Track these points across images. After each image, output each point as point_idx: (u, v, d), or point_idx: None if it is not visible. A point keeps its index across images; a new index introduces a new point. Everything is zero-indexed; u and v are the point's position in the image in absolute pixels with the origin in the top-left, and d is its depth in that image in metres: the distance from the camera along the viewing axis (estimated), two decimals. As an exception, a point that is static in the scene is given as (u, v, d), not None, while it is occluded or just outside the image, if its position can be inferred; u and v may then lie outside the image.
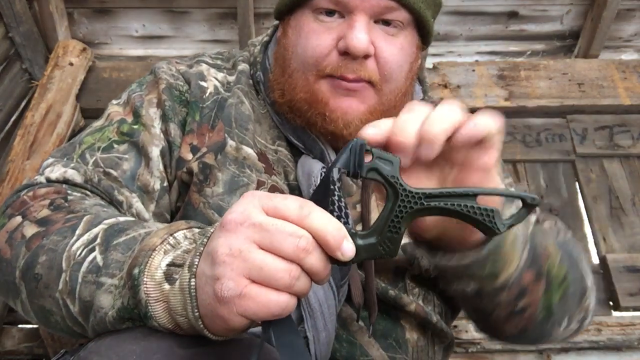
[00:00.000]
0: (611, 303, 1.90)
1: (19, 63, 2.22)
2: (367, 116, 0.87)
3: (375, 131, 0.58)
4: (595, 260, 2.01)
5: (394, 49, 0.87)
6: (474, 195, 0.55)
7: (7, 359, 1.73)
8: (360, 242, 0.55)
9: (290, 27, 0.92)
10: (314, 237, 0.52)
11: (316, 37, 0.86)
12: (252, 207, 0.53)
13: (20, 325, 1.79)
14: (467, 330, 1.76)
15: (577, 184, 2.15)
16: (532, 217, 0.79)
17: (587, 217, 2.08)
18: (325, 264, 0.53)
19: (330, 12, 0.86)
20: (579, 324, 0.88)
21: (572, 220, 2.08)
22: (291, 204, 0.53)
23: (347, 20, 0.85)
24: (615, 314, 1.88)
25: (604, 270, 1.94)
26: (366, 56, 0.85)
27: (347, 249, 0.52)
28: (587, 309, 0.87)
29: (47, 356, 1.69)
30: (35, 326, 1.75)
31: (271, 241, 0.51)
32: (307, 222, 0.52)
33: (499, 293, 0.74)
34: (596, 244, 2.03)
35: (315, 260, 0.52)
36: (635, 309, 1.87)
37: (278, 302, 0.51)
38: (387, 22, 0.87)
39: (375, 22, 0.86)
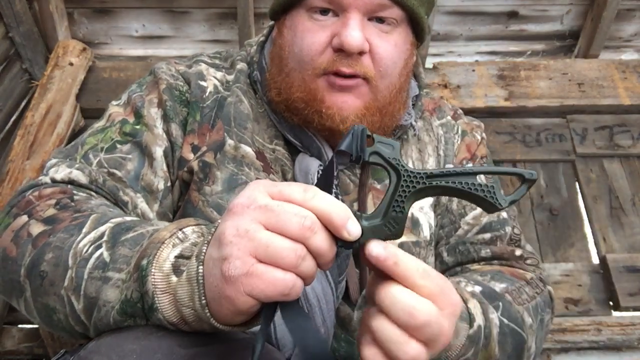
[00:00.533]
0: (611, 303, 1.90)
1: (19, 63, 2.22)
2: (363, 111, 0.88)
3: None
4: (595, 260, 2.01)
5: (388, 45, 0.88)
6: (474, 174, 0.56)
7: (7, 359, 1.73)
8: (365, 223, 0.56)
9: (285, 27, 0.92)
10: (318, 218, 0.53)
11: (311, 35, 0.87)
12: (257, 192, 0.54)
13: (20, 325, 1.79)
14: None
15: (577, 184, 2.15)
16: (494, 322, 0.80)
17: (587, 217, 2.08)
18: (330, 245, 0.54)
19: (324, 11, 0.87)
20: None
21: (572, 220, 2.08)
22: (295, 187, 0.54)
23: (341, 18, 0.86)
24: (615, 314, 1.88)
25: (604, 270, 1.94)
26: (361, 53, 0.85)
27: (353, 227, 0.53)
28: None
29: (47, 356, 1.69)
30: (35, 326, 1.75)
31: (277, 221, 0.52)
32: (311, 203, 0.53)
33: None
34: (596, 244, 2.03)
35: (321, 241, 0.53)
36: (635, 309, 1.87)
37: (285, 280, 0.52)
38: (381, 20, 0.88)
39: (369, 19, 0.87)
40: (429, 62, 2.36)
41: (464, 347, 0.73)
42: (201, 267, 0.56)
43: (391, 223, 0.56)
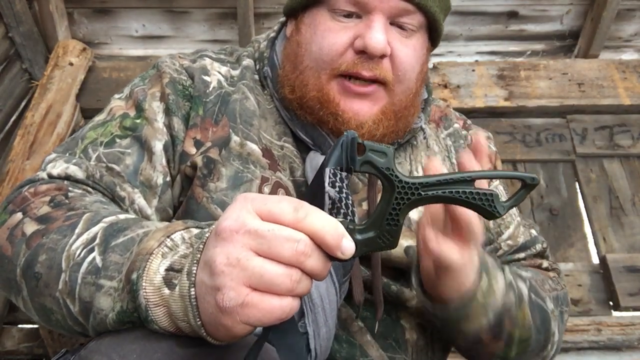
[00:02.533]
0: (611, 303, 1.90)
1: (19, 63, 2.22)
2: (379, 117, 0.87)
3: None
4: (595, 260, 2.01)
5: (408, 50, 0.88)
6: (472, 180, 0.54)
7: (7, 359, 1.73)
8: (359, 236, 0.54)
9: (303, 24, 0.92)
10: (311, 239, 0.51)
11: (333, 35, 0.87)
12: (245, 213, 0.51)
13: (20, 325, 1.79)
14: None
15: (577, 184, 2.15)
16: (524, 290, 0.87)
17: (587, 217, 2.08)
18: (325, 264, 0.52)
19: (347, 15, 0.87)
20: None
21: (572, 220, 2.08)
22: (286, 206, 0.51)
23: (365, 20, 0.86)
24: (615, 314, 1.87)
25: (604, 270, 1.94)
26: (382, 56, 0.85)
27: (347, 247, 0.52)
28: (546, 356, 0.94)
29: (47, 356, 1.69)
30: (35, 326, 1.75)
31: (269, 247, 0.50)
32: (303, 224, 0.51)
33: (456, 334, 0.84)
34: (596, 244, 2.03)
35: (315, 262, 0.51)
36: (635, 309, 1.87)
37: (281, 306, 0.50)
38: (401, 24, 0.88)
39: (391, 24, 0.87)
40: (429, 62, 2.36)
41: (505, 290, 0.80)
42: (193, 289, 0.54)
43: (385, 236, 0.54)
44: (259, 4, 2.28)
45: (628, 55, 2.50)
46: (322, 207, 0.55)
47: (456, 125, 1.08)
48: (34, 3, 2.21)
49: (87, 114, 2.18)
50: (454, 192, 0.54)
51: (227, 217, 0.52)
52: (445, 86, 2.25)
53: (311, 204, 0.53)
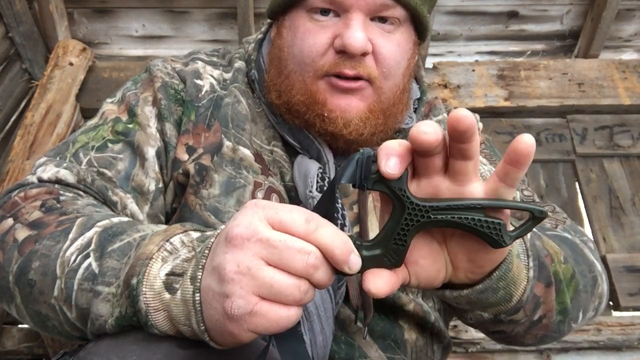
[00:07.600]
0: (611, 303, 1.89)
1: (19, 63, 2.22)
2: (366, 114, 0.86)
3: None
4: (595, 260, 2.01)
5: (391, 45, 0.87)
6: (481, 208, 0.54)
7: (7, 359, 1.73)
8: (365, 253, 0.55)
9: (284, 28, 0.91)
10: (321, 252, 0.51)
11: (312, 36, 0.85)
12: (257, 221, 0.52)
13: (20, 325, 1.79)
14: (467, 330, 1.76)
15: (577, 184, 2.15)
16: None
17: (587, 217, 2.08)
18: (331, 276, 0.53)
19: (324, 11, 0.85)
20: (594, 312, 0.87)
21: (572, 220, 2.07)
22: (297, 217, 0.52)
23: (343, 18, 0.84)
24: (615, 314, 1.87)
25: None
26: (364, 54, 0.84)
27: (354, 262, 0.53)
28: (601, 295, 0.86)
29: (47, 356, 1.69)
30: (35, 326, 1.75)
31: (280, 258, 0.50)
32: (314, 237, 0.51)
33: (515, 313, 0.72)
34: (596, 244, 2.02)
35: (323, 274, 0.52)
36: (635, 309, 1.87)
37: (288, 316, 0.51)
38: (383, 19, 0.86)
39: (372, 19, 0.85)
40: (429, 62, 2.36)
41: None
42: (198, 294, 0.54)
43: (391, 254, 0.55)
44: (259, 4, 2.28)
45: (628, 55, 2.50)
46: (332, 220, 0.55)
47: (445, 114, 1.06)
48: (34, 3, 2.21)
49: (87, 114, 2.18)
50: (462, 218, 0.54)
51: (238, 223, 0.52)
52: (445, 86, 2.25)
53: (322, 216, 0.53)
